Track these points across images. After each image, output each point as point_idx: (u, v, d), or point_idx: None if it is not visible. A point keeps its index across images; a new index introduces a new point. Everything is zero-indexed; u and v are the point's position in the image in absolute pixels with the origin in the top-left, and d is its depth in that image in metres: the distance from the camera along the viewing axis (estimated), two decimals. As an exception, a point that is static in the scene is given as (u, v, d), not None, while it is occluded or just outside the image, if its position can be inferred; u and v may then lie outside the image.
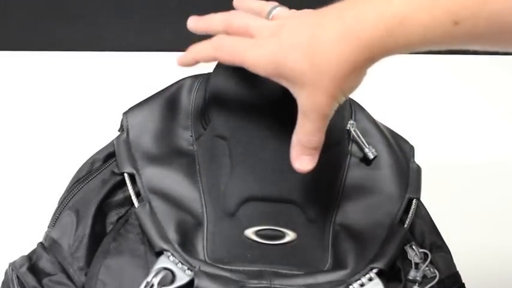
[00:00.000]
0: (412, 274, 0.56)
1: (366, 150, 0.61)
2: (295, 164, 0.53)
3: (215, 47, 0.56)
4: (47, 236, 0.59)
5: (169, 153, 0.60)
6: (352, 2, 0.49)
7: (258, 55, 0.52)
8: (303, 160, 0.53)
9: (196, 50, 0.57)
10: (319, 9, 0.52)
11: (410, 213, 0.59)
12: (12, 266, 0.58)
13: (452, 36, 0.47)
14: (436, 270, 0.57)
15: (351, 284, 0.53)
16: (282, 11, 0.57)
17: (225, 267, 0.54)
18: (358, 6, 0.49)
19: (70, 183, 0.62)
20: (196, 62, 0.58)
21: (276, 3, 0.58)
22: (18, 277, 0.57)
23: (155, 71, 1.01)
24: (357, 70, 0.50)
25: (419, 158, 0.63)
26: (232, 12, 0.59)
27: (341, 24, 0.49)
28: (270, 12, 0.57)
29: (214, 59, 0.57)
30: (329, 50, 0.49)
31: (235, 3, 0.61)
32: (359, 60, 0.49)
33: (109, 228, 0.59)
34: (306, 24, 0.51)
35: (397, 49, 0.48)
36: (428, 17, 0.46)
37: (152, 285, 0.52)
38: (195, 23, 0.59)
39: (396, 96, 1.03)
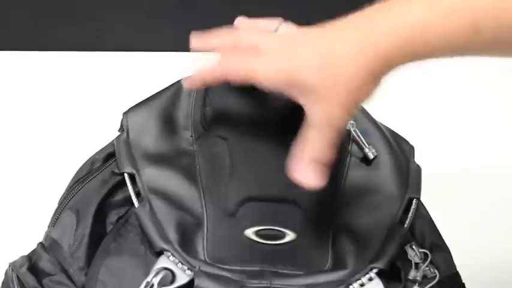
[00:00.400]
0: (412, 274, 0.56)
1: (366, 150, 0.61)
2: (299, 178, 0.52)
3: (224, 66, 0.55)
4: (47, 236, 0.59)
5: (170, 153, 0.60)
6: (368, 13, 0.49)
7: (271, 69, 0.51)
8: (310, 176, 0.52)
9: (204, 71, 0.56)
10: (330, 23, 0.51)
11: (410, 213, 0.59)
12: (12, 266, 0.58)
13: (473, 44, 0.46)
14: (436, 270, 0.57)
15: (351, 284, 0.53)
16: (288, 28, 0.56)
17: (225, 267, 0.54)
18: (375, 17, 0.48)
19: (70, 183, 0.63)
20: (206, 84, 0.57)
21: (281, 20, 0.57)
22: (18, 277, 0.57)
23: (155, 71, 1.01)
24: (372, 81, 0.49)
25: (419, 158, 0.63)
26: (238, 28, 0.57)
27: (357, 36, 0.48)
28: (276, 30, 0.56)
29: (224, 79, 0.55)
30: (345, 61, 0.48)
31: (237, 23, 0.59)
32: (375, 71, 0.48)
33: (109, 228, 0.59)
34: (319, 37, 0.50)
35: (416, 58, 0.48)
36: (449, 26, 0.45)
37: (152, 285, 0.52)
38: (199, 42, 0.57)
39: (396, 96, 1.03)
